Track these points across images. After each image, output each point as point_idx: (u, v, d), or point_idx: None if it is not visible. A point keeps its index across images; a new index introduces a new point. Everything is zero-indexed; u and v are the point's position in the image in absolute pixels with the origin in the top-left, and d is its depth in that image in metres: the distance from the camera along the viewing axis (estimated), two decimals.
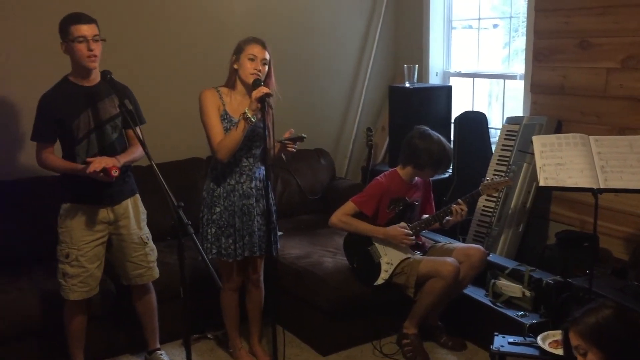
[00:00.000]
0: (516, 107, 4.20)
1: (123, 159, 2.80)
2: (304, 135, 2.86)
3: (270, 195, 2.94)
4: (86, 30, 2.66)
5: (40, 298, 2.99)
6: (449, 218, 3.18)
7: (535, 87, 3.83)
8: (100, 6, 3.29)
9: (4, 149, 3.55)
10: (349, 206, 3.22)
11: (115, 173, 2.65)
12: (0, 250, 3.28)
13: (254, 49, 2.86)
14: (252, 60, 2.85)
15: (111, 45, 2.83)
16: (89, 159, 2.68)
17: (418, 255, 3.25)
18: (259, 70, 2.85)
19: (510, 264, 3.28)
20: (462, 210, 3.14)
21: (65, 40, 2.69)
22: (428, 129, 3.25)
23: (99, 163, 2.64)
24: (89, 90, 2.77)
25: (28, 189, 3.41)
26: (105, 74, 2.70)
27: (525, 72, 3.91)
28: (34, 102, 2.82)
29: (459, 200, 3.16)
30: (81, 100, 2.76)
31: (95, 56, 2.69)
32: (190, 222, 2.34)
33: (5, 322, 2.90)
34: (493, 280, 3.21)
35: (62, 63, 2.81)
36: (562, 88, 3.68)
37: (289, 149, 2.90)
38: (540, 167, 2.81)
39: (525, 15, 3.94)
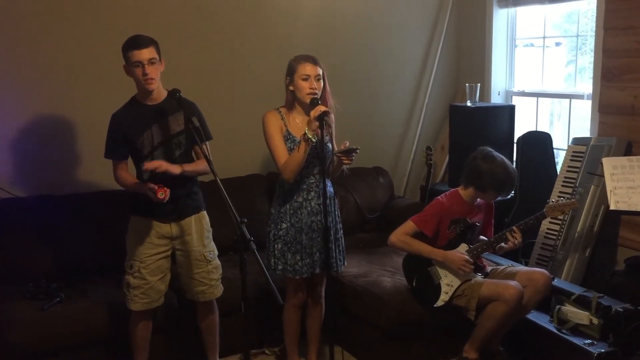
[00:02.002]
0: (581, 127, 4.08)
1: (188, 167, 2.87)
2: (354, 147, 2.83)
3: (331, 211, 2.96)
4: (142, 54, 2.72)
5: (107, 309, 3.07)
6: (503, 245, 3.11)
7: (604, 107, 3.72)
8: (166, 27, 3.41)
9: (74, 165, 3.70)
10: (409, 226, 3.19)
11: (161, 195, 2.69)
12: (70, 261, 3.41)
13: (306, 68, 2.88)
14: (305, 80, 2.88)
15: (176, 64, 2.92)
16: (145, 163, 2.74)
17: (479, 277, 3.19)
18: (315, 88, 2.88)
19: (577, 290, 3.17)
20: (515, 239, 3.06)
21: (126, 64, 2.79)
22: (492, 150, 3.19)
23: (152, 164, 2.71)
24: (154, 109, 2.86)
25: (97, 202, 3.53)
26: (174, 92, 2.79)
27: (592, 91, 3.80)
28: (100, 120, 2.93)
29: (514, 228, 3.08)
30: (146, 118, 2.85)
31: (151, 79, 2.76)
32: (252, 238, 2.38)
33: (73, 331, 2.99)
34: (558, 306, 3.11)
35: (127, 83, 2.91)
36: (633, 108, 3.55)
37: (345, 162, 2.90)
38: (610, 190, 2.73)
39: (592, 33, 3.84)
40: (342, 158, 2.87)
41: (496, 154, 3.15)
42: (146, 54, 2.73)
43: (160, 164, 2.73)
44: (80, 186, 3.66)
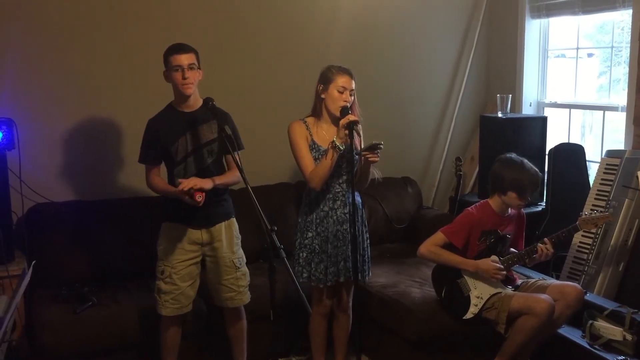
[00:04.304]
0: (615, 139, 4.02)
1: (218, 180, 2.90)
2: (376, 142, 2.81)
3: (358, 220, 2.95)
4: (183, 59, 2.80)
5: (138, 313, 3.11)
6: (534, 256, 3.08)
7: (639, 120, 3.65)
8: (200, 37, 3.46)
9: (110, 170, 3.77)
10: (439, 237, 3.17)
11: (199, 198, 2.73)
12: (103, 265, 3.47)
13: (344, 81, 2.91)
14: (341, 92, 2.90)
15: (208, 74, 2.97)
16: (180, 180, 2.80)
17: (509, 290, 3.15)
18: (347, 101, 2.91)
19: (610, 305, 3.11)
20: (547, 250, 3.03)
21: (167, 69, 2.86)
22: (512, 154, 3.18)
23: (187, 182, 2.74)
24: (189, 116, 2.91)
25: (131, 208, 3.59)
26: (207, 101, 2.84)
27: (627, 104, 3.74)
28: (136, 127, 2.99)
29: (545, 239, 3.05)
30: (181, 125, 2.89)
31: (189, 83, 2.83)
32: (282, 246, 2.39)
33: (104, 335, 3.04)
34: (591, 321, 3.05)
35: (163, 90, 2.97)
36: None
37: (370, 159, 2.88)
38: None
39: (626, 44, 3.79)
40: (368, 155, 2.87)
41: (516, 157, 3.14)
42: (187, 58, 2.82)
43: (195, 183, 2.76)
44: (115, 192, 3.72)
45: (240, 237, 3.08)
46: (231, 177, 2.96)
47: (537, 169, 3.15)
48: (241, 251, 3.08)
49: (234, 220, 3.06)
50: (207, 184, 2.82)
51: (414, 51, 4.58)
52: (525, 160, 3.13)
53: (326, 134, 2.98)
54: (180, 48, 2.84)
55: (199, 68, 2.88)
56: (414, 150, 4.70)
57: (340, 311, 3.17)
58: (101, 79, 3.70)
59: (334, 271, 2.99)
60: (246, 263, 3.11)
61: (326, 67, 2.99)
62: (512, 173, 3.06)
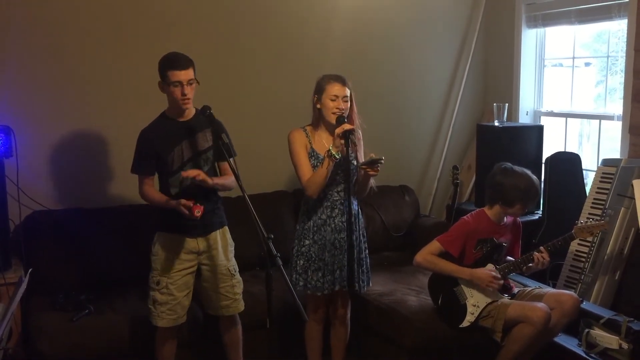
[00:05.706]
0: (611, 148, 4.03)
1: (218, 180, 2.91)
2: (379, 157, 2.82)
3: (355, 229, 2.96)
4: (182, 75, 2.77)
5: (135, 322, 3.11)
6: (530, 265, 3.09)
7: (635, 129, 3.67)
8: (196, 46, 3.47)
9: (107, 178, 3.78)
10: (434, 245, 3.18)
11: (197, 213, 2.73)
12: (99, 273, 3.47)
13: (335, 89, 2.92)
14: (333, 100, 2.92)
15: (205, 82, 2.98)
16: (183, 173, 2.77)
17: (505, 298, 3.16)
18: (341, 108, 2.91)
19: (606, 313, 3.11)
20: (543, 258, 3.04)
21: (163, 82, 2.83)
22: (509, 164, 3.19)
23: (191, 172, 2.74)
24: (184, 125, 2.91)
25: (127, 215, 3.59)
26: (205, 109, 2.82)
27: (623, 112, 3.76)
28: (131, 136, 2.99)
29: (541, 248, 3.07)
30: (176, 135, 2.89)
31: (188, 99, 2.83)
32: (279, 254, 2.40)
33: (100, 343, 3.03)
34: (587, 330, 3.05)
35: (155, 99, 2.98)
36: None
37: (370, 173, 2.90)
38: None
39: (622, 54, 3.81)
40: (367, 169, 2.88)
41: (514, 166, 3.16)
42: (186, 74, 2.78)
43: (199, 172, 2.76)
44: (112, 200, 3.73)
45: (233, 244, 3.09)
46: (228, 179, 2.95)
47: (534, 175, 3.17)
48: (234, 259, 3.08)
49: (227, 228, 3.07)
50: (209, 180, 2.80)
51: (411, 60, 4.60)
52: (528, 171, 3.14)
53: (325, 142, 3.00)
54: (178, 63, 2.78)
55: (197, 81, 2.86)
56: (412, 158, 4.71)
57: (337, 322, 3.17)
58: (99, 87, 3.71)
59: (331, 279, 3.00)
60: (243, 271, 3.12)
61: (320, 77, 3.01)
62: (520, 185, 3.07)
